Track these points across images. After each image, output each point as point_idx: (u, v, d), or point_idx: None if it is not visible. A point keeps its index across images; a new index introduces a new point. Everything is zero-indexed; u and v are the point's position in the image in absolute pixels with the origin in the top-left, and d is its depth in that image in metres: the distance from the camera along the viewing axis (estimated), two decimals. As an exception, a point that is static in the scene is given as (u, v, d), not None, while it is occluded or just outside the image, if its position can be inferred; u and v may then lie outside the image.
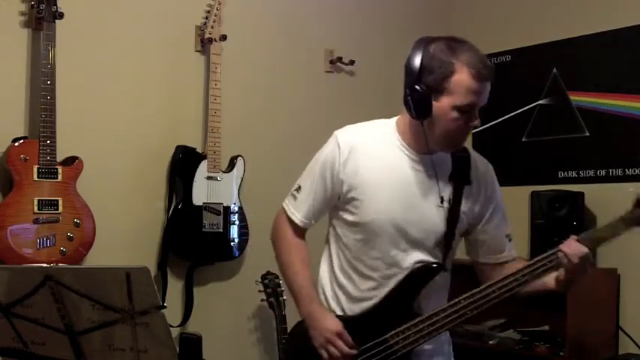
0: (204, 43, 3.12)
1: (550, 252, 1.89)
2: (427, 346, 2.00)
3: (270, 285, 3.03)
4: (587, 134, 3.49)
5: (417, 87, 1.90)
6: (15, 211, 2.55)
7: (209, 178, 3.02)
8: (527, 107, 3.75)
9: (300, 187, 2.09)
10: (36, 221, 2.58)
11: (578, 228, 3.27)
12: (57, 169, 2.63)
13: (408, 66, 1.95)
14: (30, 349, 1.68)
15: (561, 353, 3.16)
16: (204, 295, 3.13)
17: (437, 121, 1.91)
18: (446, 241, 1.98)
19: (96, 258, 2.75)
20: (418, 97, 1.90)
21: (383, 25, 3.80)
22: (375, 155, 2.00)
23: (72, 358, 1.64)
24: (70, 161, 2.69)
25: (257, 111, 3.33)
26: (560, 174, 3.56)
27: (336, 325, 1.97)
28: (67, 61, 2.71)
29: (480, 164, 2.08)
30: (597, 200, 3.39)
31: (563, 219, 3.29)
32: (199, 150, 3.08)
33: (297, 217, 2.07)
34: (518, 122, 3.78)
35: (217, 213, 3.03)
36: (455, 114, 1.89)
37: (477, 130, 4.09)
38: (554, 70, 3.64)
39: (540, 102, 3.70)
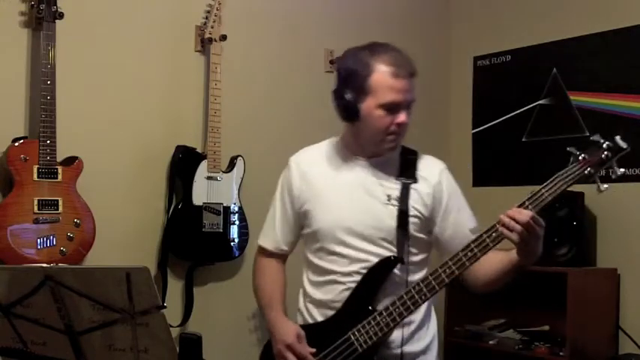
0: (204, 43, 3.11)
1: (495, 223, 1.88)
2: (405, 350, 2.02)
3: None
4: (587, 134, 3.49)
5: (341, 92, 2.00)
6: (15, 211, 2.55)
7: (209, 178, 3.02)
8: (527, 107, 3.75)
9: (269, 216, 2.23)
10: (36, 221, 2.58)
11: (578, 228, 3.28)
12: (57, 169, 2.63)
13: (337, 73, 2.06)
14: (30, 349, 1.68)
15: (561, 353, 3.16)
16: (204, 295, 3.13)
17: (366, 123, 1.99)
18: (400, 236, 2.01)
19: (96, 258, 2.74)
20: (343, 100, 2.00)
21: (383, 26, 3.80)
22: (322, 168, 2.12)
23: (72, 358, 1.64)
24: (70, 161, 2.69)
25: (257, 111, 3.33)
26: (560, 174, 3.56)
27: (288, 336, 2.02)
28: (67, 61, 2.71)
29: (429, 164, 2.13)
30: (597, 200, 3.39)
31: (563, 219, 3.29)
32: (199, 150, 3.08)
33: (266, 243, 2.22)
34: (518, 122, 3.78)
35: (217, 213, 3.03)
36: (380, 112, 1.97)
37: (477, 129, 4.14)
38: (554, 70, 3.65)
39: (540, 102, 3.70)
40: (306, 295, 2.16)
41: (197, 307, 3.08)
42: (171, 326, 2.78)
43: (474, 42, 4.05)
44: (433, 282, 1.92)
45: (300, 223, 2.16)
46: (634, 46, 3.36)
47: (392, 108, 1.96)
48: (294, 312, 2.21)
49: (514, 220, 1.82)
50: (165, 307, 1.57)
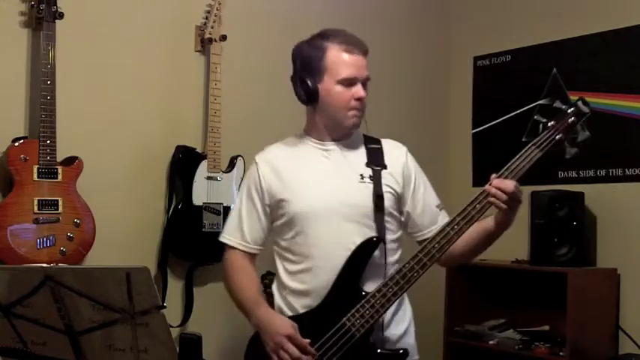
0: (204, 43, 3.11)
1: (478, 194, 1.95)
2: (390, 332, 2.05)
3: (271, 285, 3.03)
4: (588, 134, 3.49)
5: (298, 76, 2.09)
6: (15, 211, 2.55)
7: (209, 178, 3.02)
8: (527, 107, 3.75)
9: (234, 216, 2.22)
10: (36, 221, 2.58)
11: (578, 228, 3.28)
12: (57, 169, 2.63)
13: (292, 62, 2.14)
14: (30, 349, 1.68)
15: (561, 353, 3.16)
16: (204, 295, 3.13)
17: (326, 102, 2.08)
18: (377, 215, 2.06)
19: (96, 258, 2.74)
20: (302, 83, 2.08)
21: (383, 26, 3.80)
22: (291, 159, 2.15)
23: (72, 358, 1.64)
24: (70, 161, 2.69)
25: (257, 111, 3.33)
26: (560, 174, 3.57)
27: (286, 328, 1.99)
28: (67, 61, 2.71)
29: (392, 149, 2.20)
30: (597, 200, 3.39)
31: (563, 219, 3.29)
32: (199, 150, 3.08)
33: (235, 242, 2.19)
34: (518, 122, 3.78)
35: (217, 213, 3.03)
36: (339, 88, 2.05)
37: (477, 129, 4.14)
38: (554, 70, 3.65)
39: (540, 102, 3.70)
40: (283, 287, 2.15)
41: (197, 307, 3.08)
42: (171, 326, 2.79)
43: (474, 42, 4.05)
44: (424, 258, 1.95)
45: (272, 217, 2.16)
46: (634, 46, 3.36)
47: (349, 83, 2.05)
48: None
49: (500, 189, 1.91)
50: (165, 307, 1.57)
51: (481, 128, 3.99)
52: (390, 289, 1.95)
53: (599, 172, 3.44)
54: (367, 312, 1.95)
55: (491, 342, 3.47)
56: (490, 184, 1.93)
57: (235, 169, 3.10)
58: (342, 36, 2.08)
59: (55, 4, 2.61)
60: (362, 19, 3.70)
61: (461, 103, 4.08)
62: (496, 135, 3.89)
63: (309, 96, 2.09)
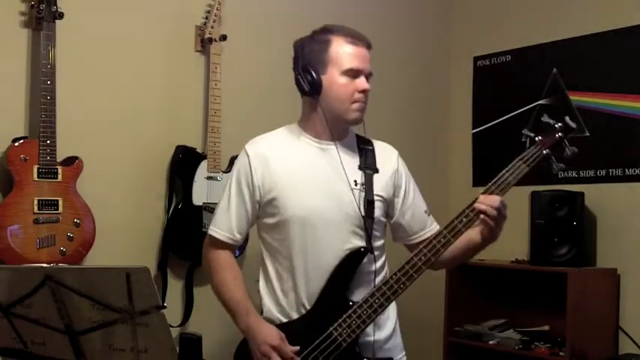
0: (204, 43, 3.11)
1: (465, 208, 1.96)
2: (375, 338, 2.04)
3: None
4: (587, 134, 3.49)
5: (301, 67, 2.04)
6: (15, 211, 2.55)
7: (209, 178, 3.03)
8: (527, 107, 3.75)
9: (223, 208, 2.16)
10: (36, 221, 2.58)
11: (578, 228, 3.28)
12: (57, 169, 2.63)
13: (294, 56, 2.10)
14: (30, 349, 1.68)
15: (561, 353, 3.17)
16: (204, 295, 3.12)
17: (330, 93, 2.03)
18: (366, 222, 2.05)
19: (96, 258, 2.74)
20: (306, 74, 2.03)
21: (383, 25, 3.80)
22: (284, 155, 2.10)
23: (72, 358, 1.64)
24: (70, 161, 2.69)
25: (257, 111, 3.33)
26: (560, 174, 3.56)
27: (273, 338, 1.98)
28: (67, 61, 2.71)
29: (384, 152, 2.19)
30: (597, 200, 3.39)
31: (563, 219, 3.29)
32: (199, 150, 3.08)
33: (220, 233, 2.15)
34: (518, 122, 3.78)
35: (217, 213, 3.03)
36: (344, 80, 2.02)
37: (477, 129, 4.14)
38: (554, 70, 3.65)
39: (540, 102, 3.70)
40: (273, 288, 2.12)
41: (197, 307, 3.08)
42: (171, 326, 2.79)
43: (474, 42, 4.05)
44: (410, 270, 1.96)
45: (260, 212, 2.13)
46: (634, 46, 3.36)
47: (354, 74, 2.02)
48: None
49: (489, 205, 1.92)
50: (165, 307, 1.57)
51: (481, 128, 3.99)
52: (377, 300, 1.96)
53: (599, 172, 3.45)
54: (354, 322, 1.97)
55: (491, 342, 3.47)
56: (478, 201, 1.94)
57: (235, 169, 3.10)
58: (346, 29, 2.08)
59: (55, 4, 2.61)
60: (362, 18, 3.69)
61: (461, 103, 4.09)
62: (496, 135, 3.89)
63: (311, 87, 2.03)
